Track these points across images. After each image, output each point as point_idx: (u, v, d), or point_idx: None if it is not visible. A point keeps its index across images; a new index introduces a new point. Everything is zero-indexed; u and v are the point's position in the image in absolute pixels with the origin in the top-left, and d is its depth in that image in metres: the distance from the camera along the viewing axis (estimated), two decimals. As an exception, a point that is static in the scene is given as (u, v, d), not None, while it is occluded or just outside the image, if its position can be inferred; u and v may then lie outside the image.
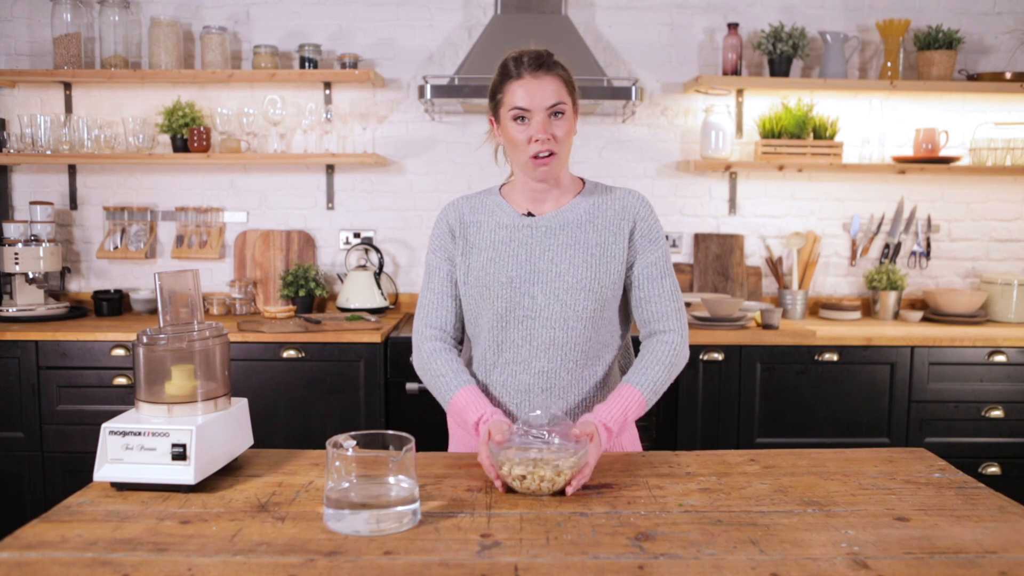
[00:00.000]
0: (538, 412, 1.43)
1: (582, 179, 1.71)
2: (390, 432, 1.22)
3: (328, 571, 1.04)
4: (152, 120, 3.40)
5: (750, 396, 2.96)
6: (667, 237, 3.52)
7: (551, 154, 1.54)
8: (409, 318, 3.41)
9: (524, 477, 1.31)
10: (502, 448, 1.36)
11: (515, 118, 1.55)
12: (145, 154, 3.32)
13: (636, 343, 1.80)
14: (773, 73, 3.33)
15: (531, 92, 1.52)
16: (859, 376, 2.95)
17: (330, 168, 3.51)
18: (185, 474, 1.29)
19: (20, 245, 3.20)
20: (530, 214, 1.65)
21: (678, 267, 3.52)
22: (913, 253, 3.54)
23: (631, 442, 1.75)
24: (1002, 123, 3.46)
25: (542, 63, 1.54)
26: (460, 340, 1.74)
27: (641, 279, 1.65)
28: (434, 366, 1.63)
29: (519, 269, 1.59)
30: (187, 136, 3.30)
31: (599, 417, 1.49)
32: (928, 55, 3.30)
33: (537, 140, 1.53)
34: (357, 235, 3.53)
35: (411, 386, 2.89)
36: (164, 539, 1.13)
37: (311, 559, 1.07)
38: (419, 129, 3.51)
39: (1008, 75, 3.25)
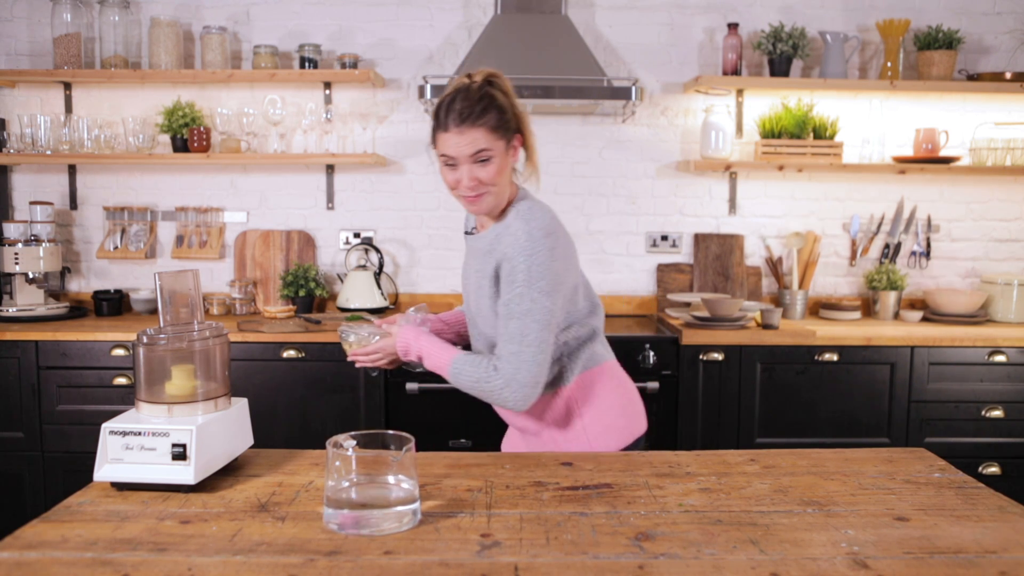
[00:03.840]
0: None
1: (522, 192, 1.72)
2: (390, 432, 1.22)
3: (328, 571, 1.04)
4: (152, 120, 3.40)
5: (750, 396, 2.96)
6: (666, 238, 3.53)
7: (480, 195, 1.63)
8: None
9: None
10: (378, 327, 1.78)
11: (444, 163, 1.64)
12: (145, 154, 3.32)
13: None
14: (773, 73, 3.33)
15: (455, 145, 1.60)
16: (859, 376, 2.96)
17: (330, 168, 3.51)
18: (185, 474, 1.29)
19: (20, 245, 3.20)
20: (475, 230, 1.80)
21: (678, 267, 3.52)
22: (913, 253, 3.54)
23: (602, 441, 1.73)
24: (1002, 123, 3.46)
25: (467, 117, 1.58)
26: None
27: (499, 315, 1.64)
28: None
29: (463, 280, 1.81)
30: (187, 136, 3.30)
31: (414, 335, 1.71)
32: (928, 55, 3.30)
33: (463, 185, 1.63)
34: (357, 235, 3.53)
35: (411, 386, 2.90)
36: (164, 539, 1.13)
37: (311, 559, 1.07)
38: (419, 129, 3.51)
39: (1008, 75, 3.25)
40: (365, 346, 1.75)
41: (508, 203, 1.70)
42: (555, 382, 1.72)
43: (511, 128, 1.64)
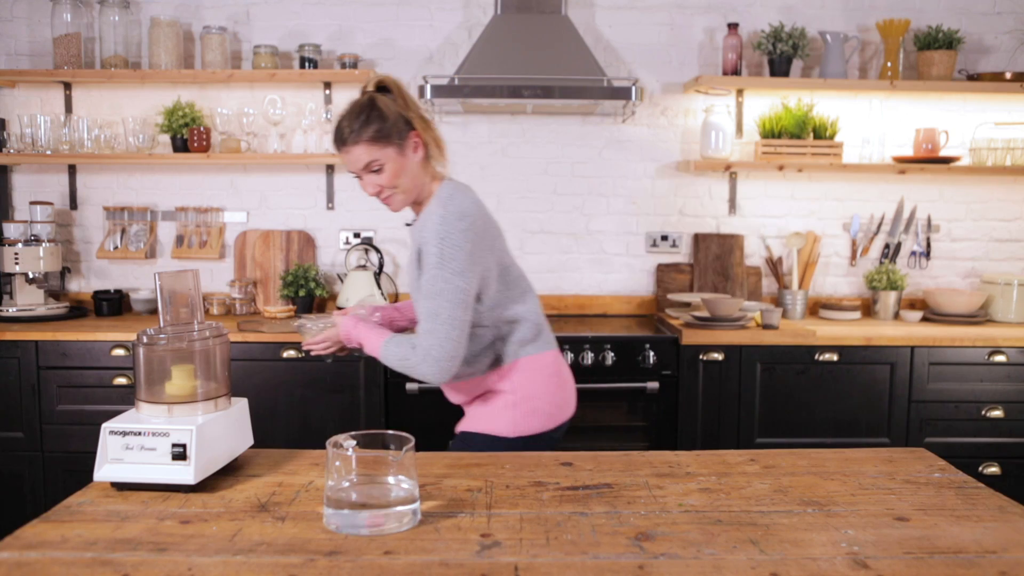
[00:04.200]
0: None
1: (447, 180, 1.87)
2: (390, 432, 1.22)
3: (328, 571, 1.04)
4: (152, 120, 3.40)
5: (750, 396, 2.96)
6: (666, 238, 3.53)
7: (387, 197, 1.81)
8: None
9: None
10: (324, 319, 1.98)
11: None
12: (145, 154, 3.32)
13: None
14: (773, 73, 3.33)
15: (346, 163, 1.82)
16: (859, 376, 2.96)
17: (330, 168, 3.51)
18: (185, 474, 1.29)
19: (20, 245, 3.20)
20: (415, 220, 1.90)
21: (678, 267, 3.52)
22: (913, 253, 3.54)
23: (526, 422, 1.87)
24: (1002, 123, 3.46)
25: (346, 137, 1.78)
26: None
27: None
28: None
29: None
30: (187, 136, 3.30)
31: (353, 323, 1.87)
32: (928, 55, 3.30)
33: (369, 193, 1.82)
34: (357, 235, 3.53)
35: (411, 386, 2.90)
36: (164, 539, 1.13)
37: (311, 559, 1.07)
38: (419, 129, 3.50)
39: (1008, 75, 3.25)
40: (315, 336, 1.94)
41: (434, 191, 1.85)
42: (493, 363, 1.87)
43: (400, 131, 1.77)
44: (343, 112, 1.80)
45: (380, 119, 1.75)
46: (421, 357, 1.71)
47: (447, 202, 1.76)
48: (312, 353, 1.96)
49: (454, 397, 2.00)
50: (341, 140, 1.79)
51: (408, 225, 1.94)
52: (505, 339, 1.87)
